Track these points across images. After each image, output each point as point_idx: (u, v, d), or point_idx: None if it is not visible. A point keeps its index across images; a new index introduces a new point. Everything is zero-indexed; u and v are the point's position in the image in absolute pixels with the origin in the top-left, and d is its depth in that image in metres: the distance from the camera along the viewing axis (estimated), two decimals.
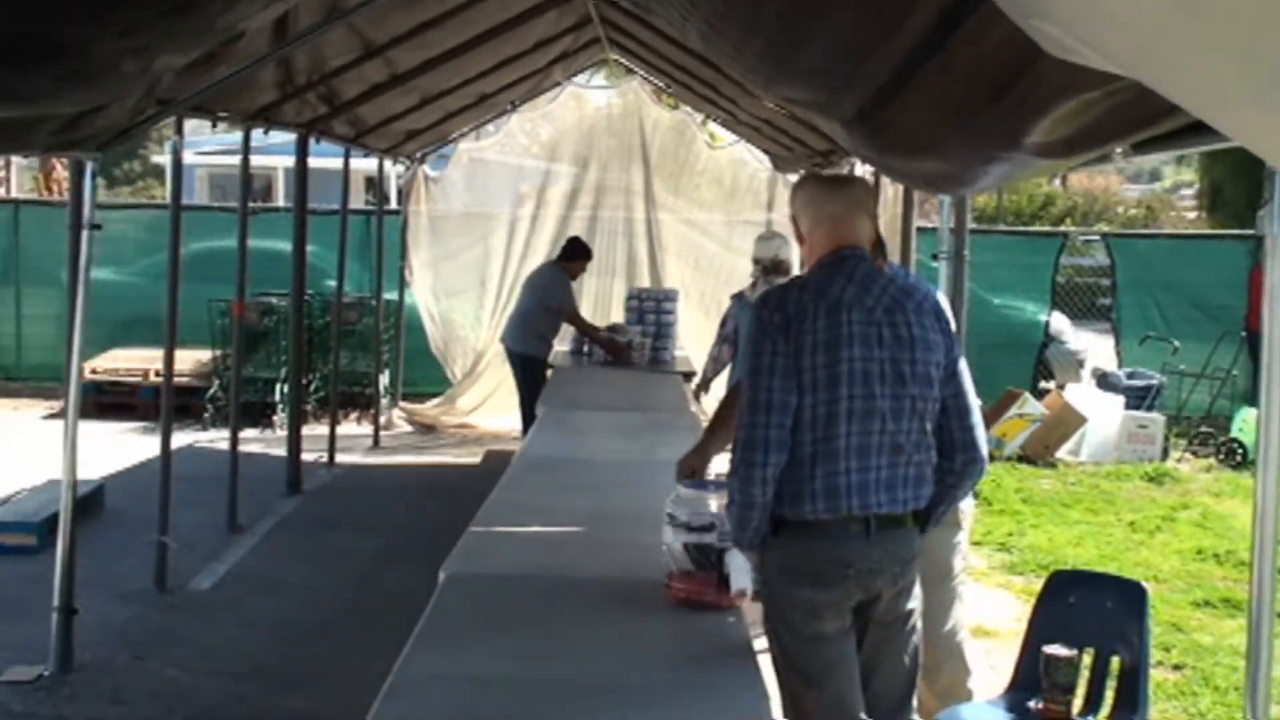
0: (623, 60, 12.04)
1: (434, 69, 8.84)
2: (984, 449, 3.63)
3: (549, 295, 9.95)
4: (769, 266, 7.56)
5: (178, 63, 4.52)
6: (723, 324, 8.04)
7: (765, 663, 3.60)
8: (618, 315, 11.45)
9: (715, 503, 3.90)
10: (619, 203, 13.02)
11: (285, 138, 9.09)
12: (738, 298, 7.94)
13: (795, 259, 10.65)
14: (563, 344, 10.73)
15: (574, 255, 10.16)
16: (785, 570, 3.55)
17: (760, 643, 3.75)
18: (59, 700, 5.49)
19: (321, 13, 6.36)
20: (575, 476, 6.01)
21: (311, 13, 6.31)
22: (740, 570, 3.78)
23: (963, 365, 3.60)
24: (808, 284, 3.59)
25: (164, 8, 3.63)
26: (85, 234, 5.63)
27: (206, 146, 23.41)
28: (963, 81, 3.01)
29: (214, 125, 7.97)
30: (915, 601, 3.63)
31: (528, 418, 9.98)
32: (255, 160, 17.53)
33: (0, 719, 5.31)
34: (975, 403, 3.62)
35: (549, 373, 9.83)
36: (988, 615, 6.82)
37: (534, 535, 5.02)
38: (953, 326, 3.62)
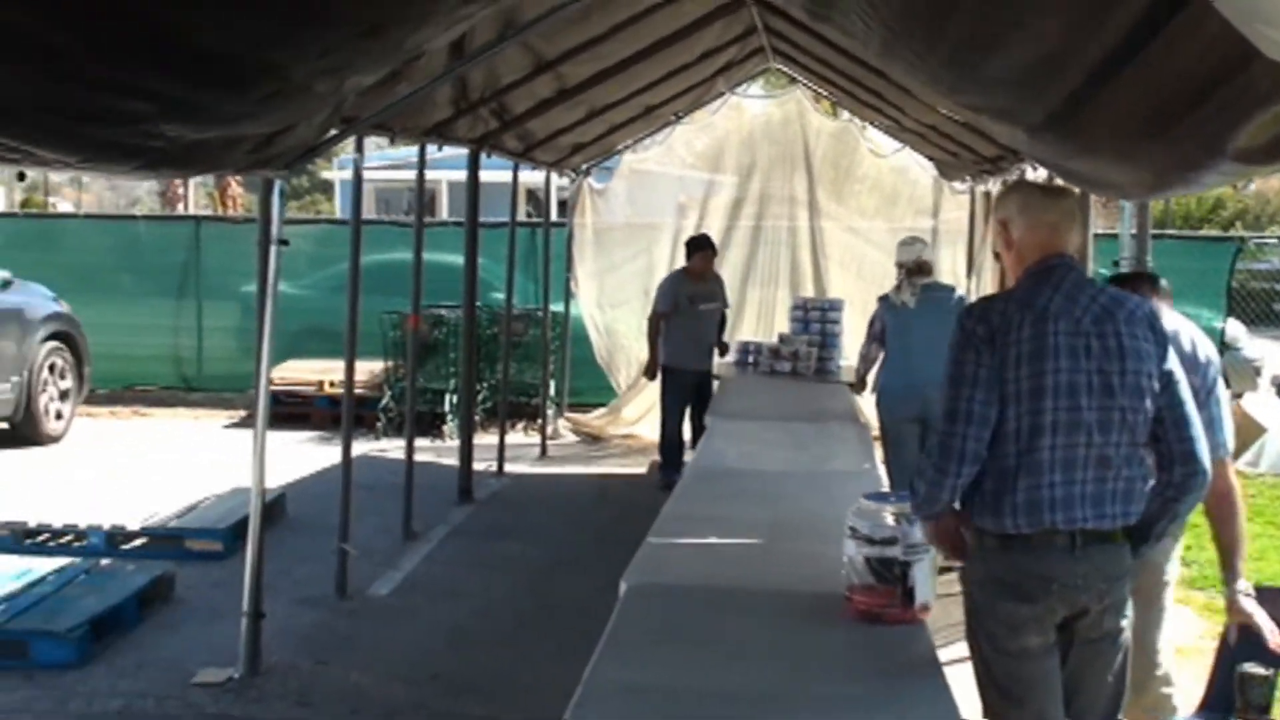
0: (785, 69, 12.00)
1: (602, 82, 8.92)
2: (1205, 461, 3.51)
3: (653, 302, 10.27)
4: (912, 268, 7.98)
5: (366, 82, 4.65)
6: (871, 324, 8.23)
7: (954, 677, 3.55)
8: (781, 325, 11.42)
9: (896, 516, 3.86)
10: (782, 212, 12.98)
11: (448, 152, 9.24)
12: (884, 299, 8.18)
13: (939, 263, 10.62)
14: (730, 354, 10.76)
15: (689, 252, 10.21)
16: (988, 582, 3.51)
17: (945, 654, 3.71)
18: (248, 702, 5.66)
19: (497, 30, 6.46)
20: (747, 487, 6.01)
21: (487, 30, 6.42)
22: (924, 584, 3.75)
23: (1179, 375, 3.51)
24: (1013, 295, 3.56)
25: (359, 30, 3.73)
26: (273, 249, 5.80)
27: (371, 162, 23.91)
28: (1163, 86, 2.95)
29: (392, 141, 8.18)
30: (1125, 619, 3.53)
31: (665, 424, 10.10)
32: (426, 174, 17.86)
33: (195, 719, 5.49)
34: (1194, 413, 3.51)
35: (715, 384, 9.89)
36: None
37: (711, 546, 5.03)
38: (1166, 336, 3.54)
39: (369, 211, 25.49)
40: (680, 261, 12.26)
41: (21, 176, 4.21)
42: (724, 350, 10.35)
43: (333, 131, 5.88)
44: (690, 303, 9.95)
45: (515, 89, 8.26)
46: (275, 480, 8.93)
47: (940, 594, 4.05)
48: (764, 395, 9.14)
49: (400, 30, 4.04)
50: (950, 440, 3.44)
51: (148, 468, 10.60)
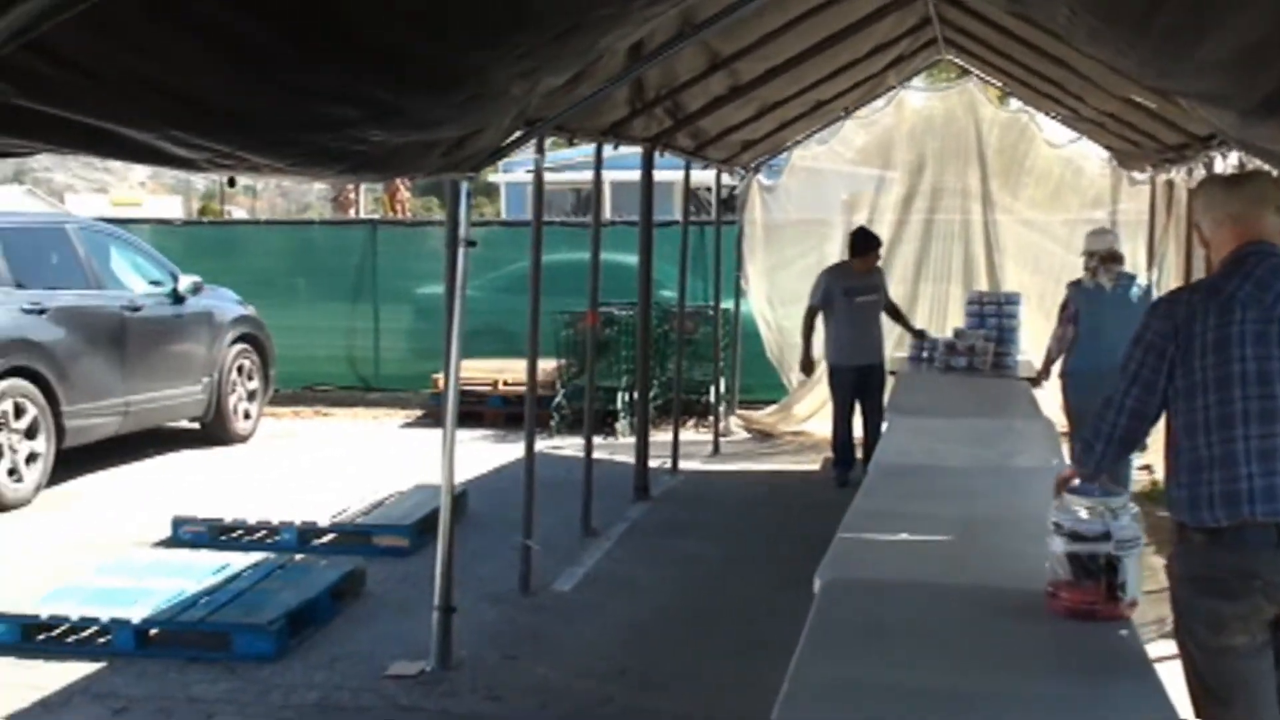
0: (958, 60, 11.81)
1: (774, 79, 8.89)
2: None
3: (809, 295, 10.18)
4: (1105, 256, 8.12)
5: (556, 84, 4.72)
6: (1063, 308, 8.35)
7: (1166, 675, 3.45)
8: (954, 320, 11.25)
9: (1104, 510, 3.77)
10: (954, 205, 12.78)
11: (609, 152, 9.26)
12: (1076, 284, 8.30)
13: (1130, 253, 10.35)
14: (901, 349, 10.65)
15: (854, 247, 10.15)
16: (1189, 578, 3.42)
17: (1154, 651, 3.61)
18: (439, 696, 5.76)
19: (675, 30, 6.48)
20: (933, 484, 5.94)
21: (665, 30, 6.45)
22: (1133, 579, 3.65)
23: None
24: (1201, 284, 3.48)
25: (555, 32, 3.78)
26: (461, 251, 5.90)
27: (531, 165, 24.16)
28: None
29: (571, 142, 8.27)
30: None
31: (834, 421, 10.05)
32: (585, 175, 17.99)
33: (389, 711, 5.61)
34: None
35: (886, 376, 9.85)
36: None
37: (902, 543, 4.98)
38: None
39: (532, 213, 25.74)
40: None
41: (232, 182, 4.36)
42: (919, 335, 10.23)
43: (517, 134, 5.96)
44: (846, 296, 9.86)
45: (689, 87, 8.28)
46: (455, 477, 9.11)
47: (1147, 590, 3.95)
48: (942, 391, 9.01)
49: (593, 32, 4.09)
50: (1113, 395, 3.60)
51: (332, 465, 10.88)
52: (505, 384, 12.78)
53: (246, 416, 12.10)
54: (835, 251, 12.62)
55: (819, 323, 10.04)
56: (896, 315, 10.56)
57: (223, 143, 3.79)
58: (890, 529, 5.08)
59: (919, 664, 3.54)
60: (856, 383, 9.89)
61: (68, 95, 3.18)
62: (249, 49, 3.22)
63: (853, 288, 9.92)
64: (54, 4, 2.78)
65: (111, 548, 7.94)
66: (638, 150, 9.35)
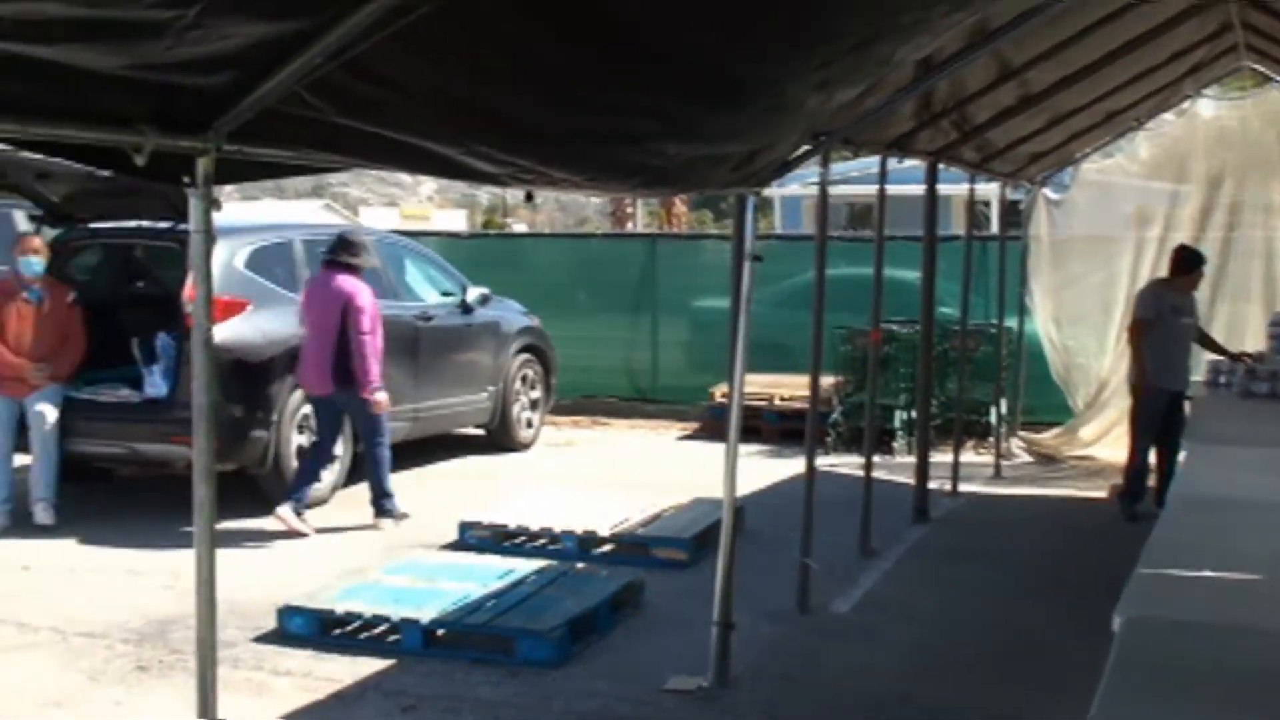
0: (1260, 67, 11.18)
1: (1066, 88, 8.58)
2: None
3: (1134, 309, 9.78)
4: None
5: (849, 96, 4.65)
6: None
7: None
8: (1253, 343, 10.62)
9: None
10: (1256, 221, 12.07)
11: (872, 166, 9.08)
12: None
13: None
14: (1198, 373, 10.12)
15: (1179, 265, 9.64)
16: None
17: None
18: (718, 712, 5.73)
19: (965, 39, 6.31)
20: (1237, 517, 5.59)
21: (955, 40, 6.29)
22: None
23: None
24: None
25: (855, 41, 3.72)
26: (747, 265, 5.87)
27: (809, 178, 24.03)
28: None
29: (855, 155, 8.17)
30: None
31: (1134, 447, 9.58)
32: (859, 189, 17.72)
33: None
34: None
35: (1185, 404, 9.33)
36: None
37: (1209, 580, 4.69)
38: None
39: (807, 227, 25.65)
40: (1142, 275, 11.63)
41: (529, 197, 4.44)
42: (1239, 359, 9.67)
43: (804, 147, 5.90)
44: (1173, 314, 9.42)
45: (978, 99, 8.06)
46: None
47: None
48: (1244, 419, 8.51)
49: (893, 41, 4.01)
50: None
51: (610, 475, 11.03)
52: (781, 399, 12.71)
53: (529, 425, 12.39)
54: (1125, 268, 12.13)
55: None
56: (1205, 340, 10.03)
57: (525, 157, 3.86)
58: (1193, 565, 4.80)
59: (1231, 713, 3.32)
60: (1168, 408, 9.43)
61: (380, 112, 3.29)
62: (554, 66, 3.27)
63: (1177, 307, 9.49)
64: (369, 25, 2.88)
65: (401, 549, 8.23)
66: (914, 164, 9.16)
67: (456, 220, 57.32)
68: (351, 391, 8.81)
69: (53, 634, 6.59)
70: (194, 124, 3.07)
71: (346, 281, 8.85)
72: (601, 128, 3.57)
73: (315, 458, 9.12)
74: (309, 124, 3.19)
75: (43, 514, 8.77)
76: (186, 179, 3.20)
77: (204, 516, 3.78)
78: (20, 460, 9.03)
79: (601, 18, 3.13)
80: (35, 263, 9.00)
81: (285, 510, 8.71)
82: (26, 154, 7.16)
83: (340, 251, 8.97)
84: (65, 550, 8.21)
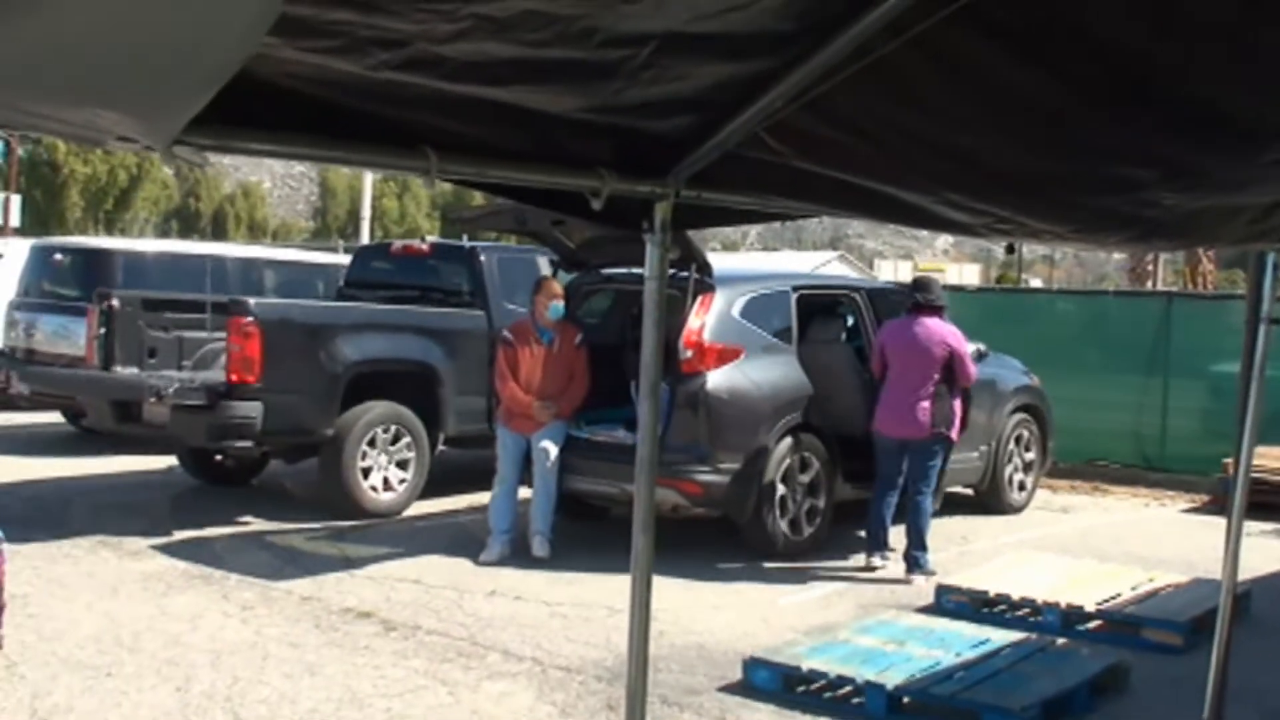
0: None
1: None
2: None
3: None
4: None
5: None
6: None
7: None
8: None
9: None
10: None
11: None
12: None
13: None
14: None
15: None
16: None
17: None
18: None
19: None
20: None
21: None
22: None
23: None
24: None
25: None
26: (1262, 328, 5.32)
27: None
28: None
29: None
30: None
31: None
32: None
33: None
34: None
35: None
36: None
37: None
38: None
39: None
40: None
41: (1010, 249, 4.19)
42: None
43: None
44: None
45: None
46: (1239, 574, 8.31)
47: None
48: None
49: None
50: None
51: (1104, 547, 10.37)
52: None
53: (1021, 488, 11.87)
54: None
55: None
56: None
57: (1002, 206, 3.63)
58: None
59: None
60: None
61: (843, 157, 3.17)
62: (1039, 108, 3.03)
63: None
64: (830, 65, 2.77)
65: (874, 607, 8.05)
66: None
67: (971, 275, 56.68)
68: (929, 436, 8.87)
69: (533, 664, 6.87)
70: (652, 168, 3.07)
71: (941, 325, 9.05)
72: (1086, 174, 3.28)
73: (882, 499, 9.20)
74: (769, 168, 3.12)
75: (539, 547, 9.23)
76: (645, 225, 3.20)
77: (641, 567, 3.76)
78: (524, 494, 9.55)
79: (1102, 55, 2.87)
80: (559, 307, 9.51)
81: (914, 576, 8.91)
82: None
83: (924, 293, 9.17)
84: (554, 583, 8.57)
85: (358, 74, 2.18)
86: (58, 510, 10.49)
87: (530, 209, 8.84)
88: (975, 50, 2.79)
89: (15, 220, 32.77)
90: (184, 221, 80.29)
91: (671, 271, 9.58)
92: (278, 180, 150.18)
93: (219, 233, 78.46)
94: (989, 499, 11.53)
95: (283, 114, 2.38)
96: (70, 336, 12.01)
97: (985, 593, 7.97)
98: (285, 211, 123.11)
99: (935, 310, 9.12)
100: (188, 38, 1.61)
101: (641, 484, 3.72)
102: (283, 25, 1.81)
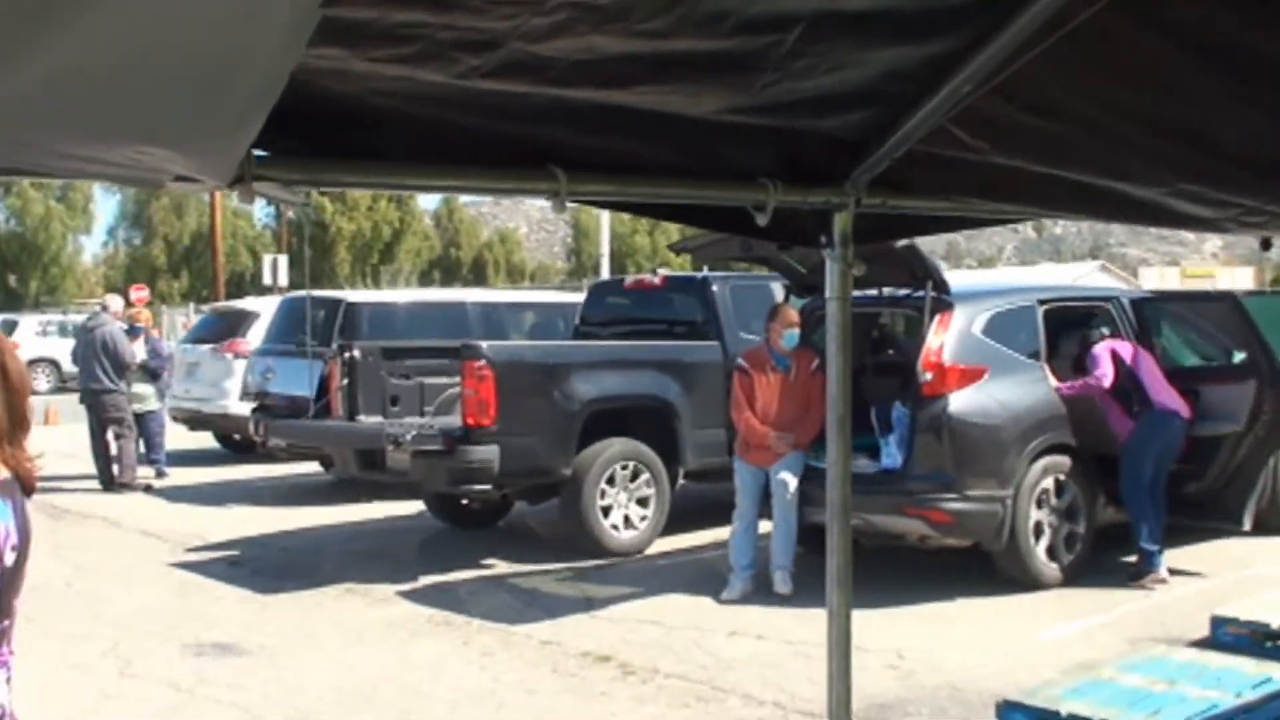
0: None
1: None
2: None
3: None
4: None
5: None
6: None
7: None
8: None
9: None
10: None
11: None
12: None
13: None
14: None
15: None
16: None
17: None
18: None
19: None
20: None
21: None
22: None
23: None
24: None
25: None
26: None
27: None
28: None
29: None
30: None
31: None
32: None
33: None
34: None
35: None
36: None
37: None
38: None
39: None
40: None
41: (1266, 245, 3.69)
42: None
43: None
44: None
45: None
46: None
47: None
48: None
49: None
50: None
51: None
52: None
53: None
54: None
55: None
56: None
57: (1249, 195, 3.18)
58: None
59: None
60: None
61: (1051, 149, 2.78)
62: None
63: None
64: (1023, 39, 2.40)
65: (1142, 641, 7.44)
66: None
67: (1244, 279, 53.47)
68: None
69: (774, 709, 6.55)
70: (825, 175, 2.74)
71: None
72: None
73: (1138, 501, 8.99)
74: (962, 166, 2.75)
75: (781, 583, 8.89)
76: (824, 239, 2.86)
77: (839, 627, 3.40)
78: (765, 527, 9.23)
79: None
80: (794, 335, 9.19)
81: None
82: None
83: None
84: (797, 621, 8.21)
85: (451, 85, 1.93)
86: (310, 559, 10.68)
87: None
88: (1194, 6, 2.39)
89: (284, 279, 34.22)
90: (445, 270, 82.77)
91: (906, 291, 9.29)
92: (534, 225, 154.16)
93: (479, 279, 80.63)
94: (1271, 518, 10.57)
95: (389, 141, 2.16)
96: (299, 380, 12.28)
97: (1268, 625, 7.22)
98: (542, 254, 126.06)
99: None
100: (217, 53, 1.39)
101: (834, 530, 3.38)
102: (340, 32, 1.58)
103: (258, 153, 2.03)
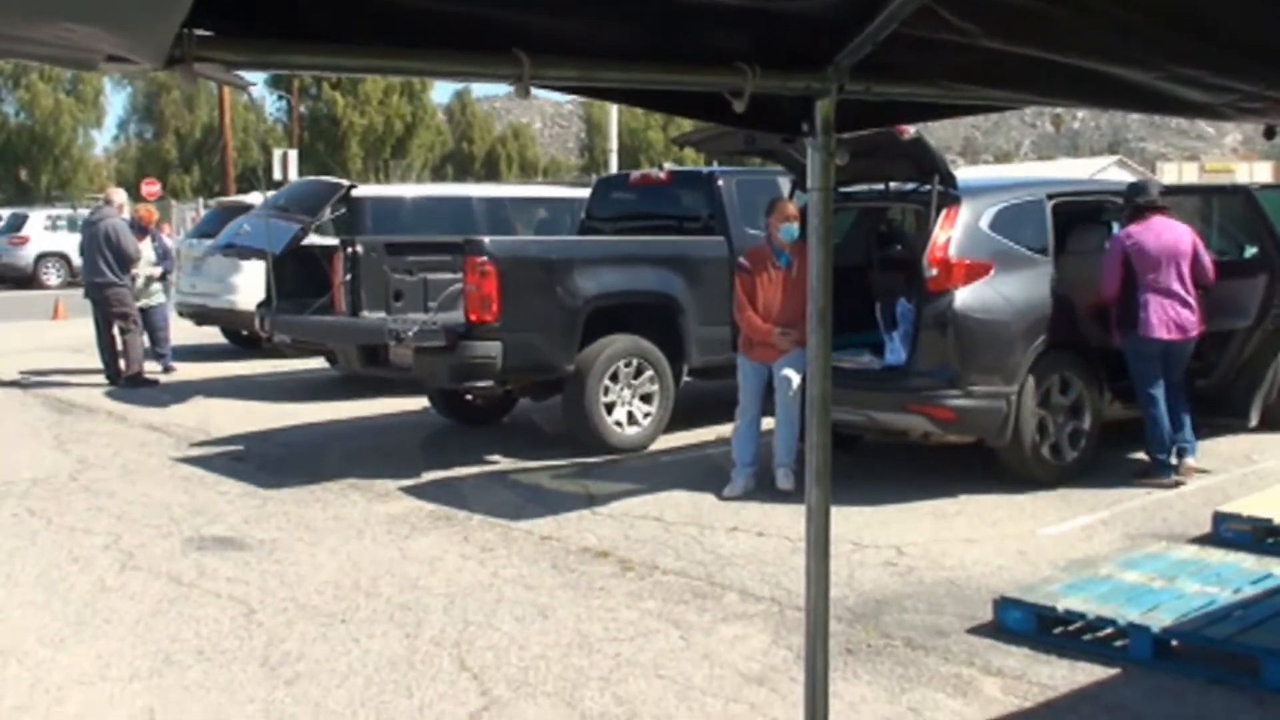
0: None
1: None
2: None
3: None
4: None
5: None
6: None
7: None
8: None
9: None
10: None
11: None
12: None
13: None
14: None
15: None
16: None
17: None
18: None
19: None
20: None
21: None
22: None
23: None
24: None
25: None
26: None
27: None
28: None
29: None
30: None
31: None
32: None
33: None
34: None
35: None
36: None
37: None
38: None
39: None
40: None
41: (1270, 134, 3.58)
42: None
43: None
44: None
45: None
46: None
47: None
48: None
49: None
50: None
51: None
52: None
53: None
54: None
55: None
56: None
57: (1251, 81, 3.06)
58: None
59: None
60: None
61: (1043, 30, 2.66)
62: None
63: None
64: None
65: (1143, 537, 7.42)
66: None
67: (1262, 173, 52.93)
68: (1192, 337, 8.89)
69: (771, 604, 6.53)
70: (807, 59, 2.62)
71: (1178, 224, 8.96)
72: None
73: (1153, 404, 8.90)
74: (950, 50, 2.63)
75: (783, 479, 8.86)
76: (805, 126, 2.76)
77: (818, 525, 3.35)
78: (768, 424, 9.18)
79: None
80: (793, 229, 9.03)
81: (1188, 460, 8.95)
82: None
83: (1146, 195, 9.11)
84: (797, 517, 8.10)
85: None
86: (312, 454, 10.69)
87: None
88: None
89: (294, 174, 34.07)
90: (458, 165, 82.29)
91: (913, 185, 9.14)
92: (547, 120, 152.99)
93: (492, 174, 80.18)
94: (1278, 414, 10.46)
95: (353, 23, 2.06)
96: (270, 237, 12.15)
97: (1270, 521, 7.19)
98: (556, 149, 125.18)
99: (1161, 210, 8.97)
100: None
101: (816, 426, 3.32)
102: None
103: (200, 32, 1.94)
